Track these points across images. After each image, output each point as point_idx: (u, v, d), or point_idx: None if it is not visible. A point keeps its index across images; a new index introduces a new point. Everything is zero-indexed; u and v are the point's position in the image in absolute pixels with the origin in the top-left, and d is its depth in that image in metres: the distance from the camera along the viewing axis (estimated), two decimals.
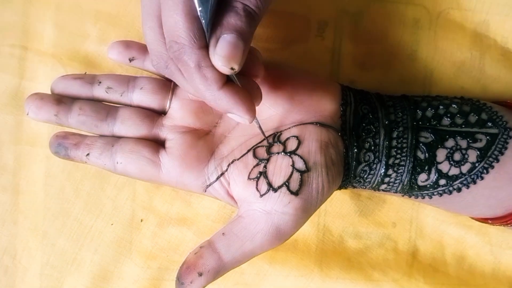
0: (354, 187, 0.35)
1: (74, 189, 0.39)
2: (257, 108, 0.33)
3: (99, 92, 0.34)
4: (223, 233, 0.31)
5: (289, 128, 0.33)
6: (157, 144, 0.34)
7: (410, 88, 0.39)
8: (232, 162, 0.33)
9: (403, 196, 0.36)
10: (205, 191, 0.33)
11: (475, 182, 0.34)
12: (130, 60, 0.34)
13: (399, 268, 0.40)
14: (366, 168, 0.34)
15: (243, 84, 0.29)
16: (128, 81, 0.35)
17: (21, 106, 0.38)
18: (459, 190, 0.34)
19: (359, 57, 0.39)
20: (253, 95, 0.30)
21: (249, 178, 0.32)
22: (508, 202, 0.34)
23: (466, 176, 0.34)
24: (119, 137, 0.34)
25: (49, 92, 0.35)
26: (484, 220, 0.37)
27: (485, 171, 0.33)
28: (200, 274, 0.30)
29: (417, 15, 0.39)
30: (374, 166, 0.34)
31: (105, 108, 0.34)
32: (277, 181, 0.31)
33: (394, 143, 0.33)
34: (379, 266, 0.40)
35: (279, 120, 0.33)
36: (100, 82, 0.34)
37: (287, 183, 0.31)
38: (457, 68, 0.39)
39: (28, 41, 0.38)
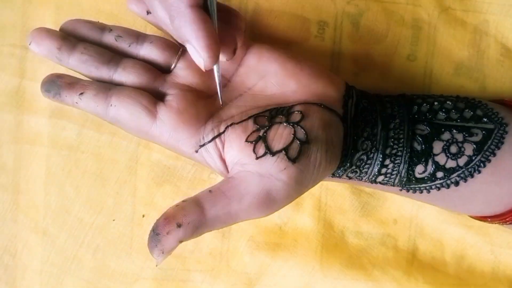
0: (349, 178, 0.35)
1: (75, 186, 0.39)
2: (264, 84, 0.33)
3: (108, 38, 0.34)
4: (210, 191, 0.30)
5: (294, 105, 0.33)
6: (156, 97, 0.33)
7: (410, 87, 0.39)
8: (231, 125, 0.32)
9: (400, 190, 0.36)
10: (197, 152, 0.32)
11: (472, 176, 0.34)
12: (148, 12, 0.34)
13: (399, 266, 0.40)
14: (363, 156, 0.34)
15: (221, 29, 0.28)
16: (139, 35, 0.34)
17: (21, 105, 0.38)
18: (456, 183, 0.34)
19: (359, 57, 0.39)
20: (225, 42, 0.30)
21: (247, 140, 0.31)
22: (506, 199, 0.34)
23: (463, 169, 0.34)
24: (118, 85, 0.33)
25: None
26: (483, 219, 0.37)
27: (482, 164, 0.34)
28: (179, 226, 0.28)
29: (416, 15, 0.39)
30: (371, 155, 0.34)
31: (110, 54, 0.33)
32: (276, 146, 0.30)
33: (391, 133, 0.34)
34: (379, 264, 0.40)
35: (283, 98, 0.33)
36: (110, 30, 0.34)
37: (286, 150, 0.30)
38: (457, 68, 0.39)
39: None
